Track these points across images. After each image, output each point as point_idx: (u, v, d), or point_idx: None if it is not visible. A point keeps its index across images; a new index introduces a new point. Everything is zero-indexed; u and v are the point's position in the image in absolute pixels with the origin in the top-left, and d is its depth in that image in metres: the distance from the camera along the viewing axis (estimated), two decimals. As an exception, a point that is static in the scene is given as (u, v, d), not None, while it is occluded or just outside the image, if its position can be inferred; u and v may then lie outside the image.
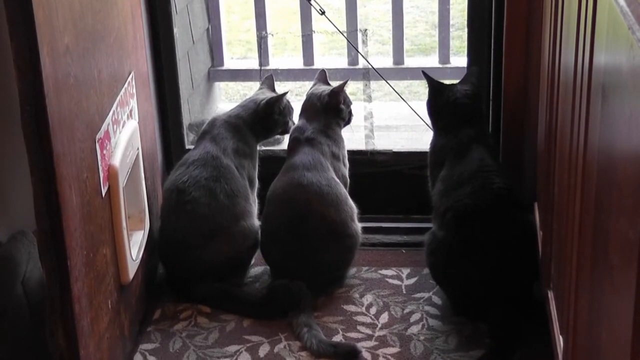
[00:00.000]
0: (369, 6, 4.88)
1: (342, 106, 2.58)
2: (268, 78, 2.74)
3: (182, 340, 2.30)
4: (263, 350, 2.24)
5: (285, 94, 2.63)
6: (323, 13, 2.86)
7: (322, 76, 2.69)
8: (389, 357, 2.20)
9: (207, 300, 2.43)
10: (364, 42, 3.76)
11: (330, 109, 2.56)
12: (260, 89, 2.71)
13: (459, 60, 3.64)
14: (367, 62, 3.22)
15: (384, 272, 2.56)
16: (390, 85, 3.06)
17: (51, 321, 1.80)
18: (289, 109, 2.65)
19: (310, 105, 2.58)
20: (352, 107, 2.67)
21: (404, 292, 2.47)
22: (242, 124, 2.56)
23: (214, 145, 2.50)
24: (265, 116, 2.58)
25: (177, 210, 2.43)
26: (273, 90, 2.70)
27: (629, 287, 1.00)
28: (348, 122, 2.64)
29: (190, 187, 2.42)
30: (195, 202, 2.41)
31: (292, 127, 2.60)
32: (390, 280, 2.52)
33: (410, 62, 3.83)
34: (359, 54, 3.56)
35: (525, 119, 2.55)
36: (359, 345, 2.23)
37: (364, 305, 2.41)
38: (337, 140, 2.57)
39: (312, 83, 2.71)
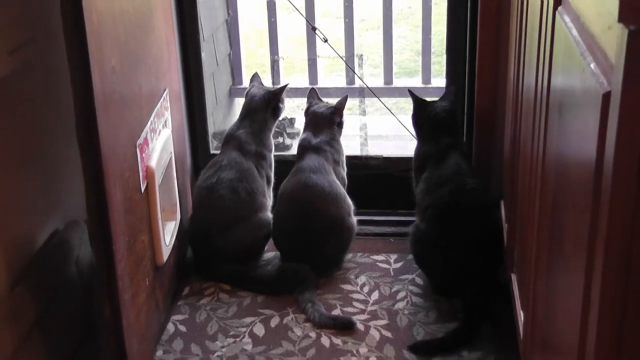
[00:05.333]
0: (364, 36, 4.89)
1: (343, 119, 2.59)
2: (255, 76, 2.70)
3: (207, 312, 2.31)
4: (274, 322, 2.25)
5: (286, 85, 2.62)
6: (326, 41, 2.87)
7: (314, 94, 2.66)
8: (379, 328, 2.20)
9: (227, 279, 2.43)
10: (360, 66, 3.77)
11: (333, 123, 2.56)
12: (251, 84, 2.66)
13: (439, 81, 3.65)
14: (362, 82, 3.22)
15: (375, 257, 2.56)
16: (382, 102, 3.06)
17: (99, 296, 1.80)
18: (283, 100, 2.63)
19: (316, 121, 2.57)
20: (346, 116, 2.66)
21: (392, 274, 2.47)
22: (257, 127, 2.54)
23: (238, 150, 2.50)
24: (275, 103, 2.56)
25: (206, 204, 2.44)
26: (262, 84, 2.67)
27: (579, 271, 1.01)
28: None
29: (217, 186, 2.42)
30: (222, 198, 2.41)
31: (300, 138, 2.60)
32: (381, 264, 2.52)
33: (398, 82, 3.84)
34: (355, 75, 3.57)
35: (494, 131, 2.55)
36: (354, 317, 2.23)
37: (358, 285, 2.42)
38: (338, 149, 2.57)
39: (310, 100, 2.65)
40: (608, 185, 0.87)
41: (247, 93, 2.64)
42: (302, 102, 2.87)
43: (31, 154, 1.91)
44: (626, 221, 0.85)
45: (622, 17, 0.79)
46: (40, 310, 1.82)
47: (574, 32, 1.14)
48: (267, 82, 3.41)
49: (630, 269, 0.86)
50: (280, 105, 2.60)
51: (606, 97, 0.88)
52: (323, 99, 2.68)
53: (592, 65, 0.98)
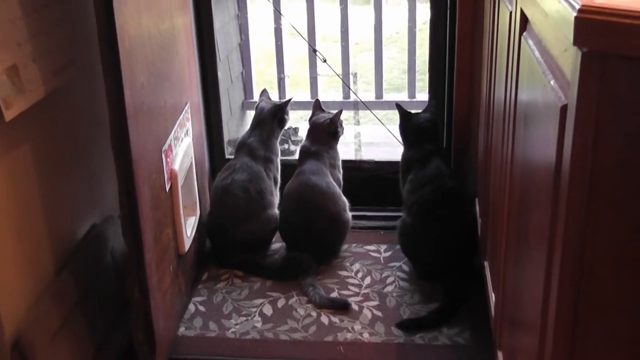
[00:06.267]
0: (358, 57, 4.90)
1: (339, 129, 2.59)
2: (264, 91, 2.69)
3: (223, 295, 2.31)
4: (280, 303, 2.25)
5: (290, 99, 2.62)
6: (325, 61, 2.87)
7: (318, 104, 2.65)
8: (371, 308, 2.20)
9: (240, 266, 2.43)
10: (355, 82, 3.78)
11: (329, 133, 2.56)
12: (261, 99, 2.66)
13: (422, 95, 3.65)
14: (357, 96, 3.23)
15: (368, 247, 2.57)
16: (373, 114, 3.07)
17: (130, 280, 1.81)
18: (288, 112, 2.64)
19: (315, 131, 2.57)
20: (344, 125, 2.65)
21: (382, 262, 2.47)
22: (265, 135, 2.55)
23: (249, 156, 2.50)
24: (281, 115, 2.57)
25: (222, 202, 2.44)
26: (269, 99, 2.67)
27: (542, 259, 1.01)
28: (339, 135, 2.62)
29: (231, 186, 2.43)
30: (235, 196, 2.42)
31: (301, 145, 2.60)
32: (372, 254, 2.53)
33: (387, 96, 3.84)
34: (350, 91, 3.57)
35: (470, 138, 2.56)
36: (350, 299, 2.24)
37: (353, 271, 2.42)
38: (334, 155, 2.56)
39: (314, 110, 2.64)
40: (565, 185, 0.87)
41: (257, 106, 2.64)
42: (305, 114, 2.88)
43: (73, 159, 1.92)
44: (580, 216, 0.86)
45: (576, 41, 0.80)
46: (81, 293, 1.83)
47: (537, 53, 1.15)
48: (275, 96, 3.41)
49: (584, 258, 0.87)
50: (286, 116, 2.61)
51: (563, 109, 0.89)
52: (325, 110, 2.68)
53: (552, 82, 0.98)
